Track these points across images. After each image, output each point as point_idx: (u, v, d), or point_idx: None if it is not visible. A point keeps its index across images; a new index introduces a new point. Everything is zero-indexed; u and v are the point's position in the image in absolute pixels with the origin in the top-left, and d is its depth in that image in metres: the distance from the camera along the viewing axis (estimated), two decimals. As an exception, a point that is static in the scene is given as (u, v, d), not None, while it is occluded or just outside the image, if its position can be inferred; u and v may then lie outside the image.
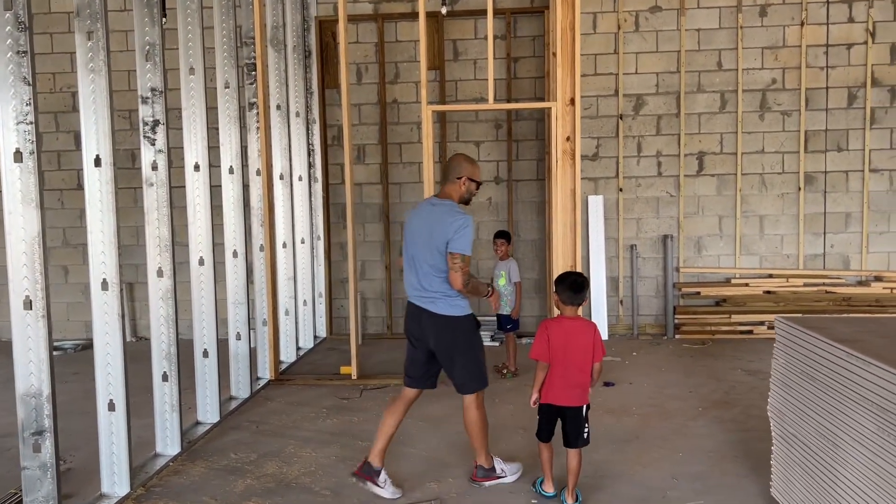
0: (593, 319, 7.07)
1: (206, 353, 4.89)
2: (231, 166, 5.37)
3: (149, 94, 4.14)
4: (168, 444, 4.32)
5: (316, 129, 7.39)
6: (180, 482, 3.99)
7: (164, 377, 4.30)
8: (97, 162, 3.63)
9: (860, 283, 7.35)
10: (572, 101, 5.64)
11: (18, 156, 3.18)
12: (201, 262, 4.84)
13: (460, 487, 3.83)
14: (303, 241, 7.09)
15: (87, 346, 7.17)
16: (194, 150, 4.77)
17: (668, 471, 3.99)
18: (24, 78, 3.15)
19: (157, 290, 4.27)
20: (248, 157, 5.85)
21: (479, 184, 3.84)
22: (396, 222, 7.60)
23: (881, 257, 7.37)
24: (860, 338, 2.94)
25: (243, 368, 5.47)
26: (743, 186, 7.36)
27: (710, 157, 7.37)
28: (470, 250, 3.61)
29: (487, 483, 3.83)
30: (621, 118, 7.38)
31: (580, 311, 3.68)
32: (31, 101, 3.16)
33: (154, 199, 4.20)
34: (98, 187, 3.65)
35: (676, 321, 7.28)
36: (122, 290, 3.74)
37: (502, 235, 6.01)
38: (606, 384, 5.62)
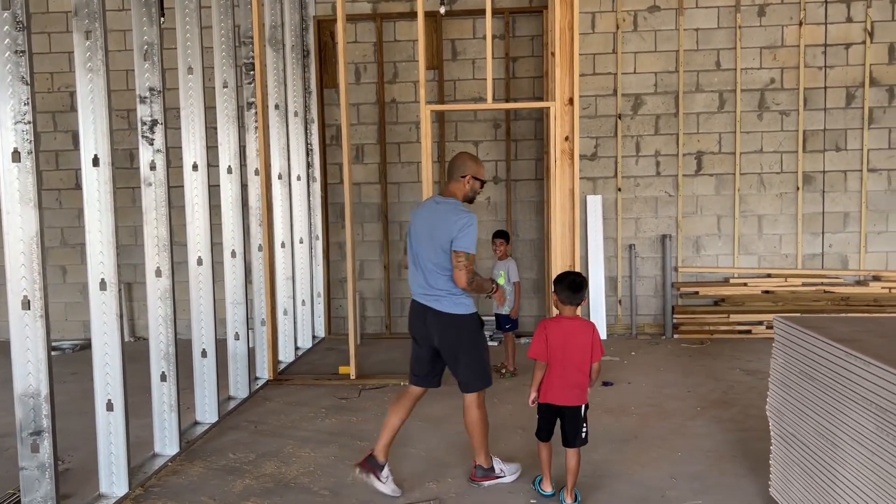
0: (592, 319, 7.06)
1: (204, 353, 4.89)
2: (229, 166, 5.36)
3: (147, 94, 4.14)
4: (166, 444, 4.32)
5: (314, 128, 7.38)
6: (179, 482, 3.99)
7: (163, 377, 4.29)
8: (95, 162, 3.63)
9: (858, 283, 7.36)
10: (571, 101, 5.64)
11: (16, 155, 3.17)
12: (199, 261, 4.83)
13: (459, 487, 3.83)
14: (301, 241, 7.08)
15: (86, 346, 7.16)
16: (192, 150, 4.77)
17: (666, 470, 3.99)
18: (22, 77, 3.14)
19: (156, 289, 4.26)
20: (247, 156, 5.85)
21: (483, 182, 3.85)
22: (395, 222, 7.60)
23: (879, 257, 7.38)
24: (859, 337, 2.94)
25: (242, 368, 5.47)
26: (741, 186, 7.36)
27: (709, 157, 7.38)
28: (475, 249, 3.60)
29: (486, 483, 3.83)
30: (620, 118, 7.38)
31: (579, 311, 3.68)
32: (29, 100, 3.16)
33: (152, 199, 4.20)
34: (96, 187, 3.64)
35: (675, 321, 7.28)
36: (120, 290, 3.74)
37: (501, 235, 6.01)
38: (605, 384, 5.62)
